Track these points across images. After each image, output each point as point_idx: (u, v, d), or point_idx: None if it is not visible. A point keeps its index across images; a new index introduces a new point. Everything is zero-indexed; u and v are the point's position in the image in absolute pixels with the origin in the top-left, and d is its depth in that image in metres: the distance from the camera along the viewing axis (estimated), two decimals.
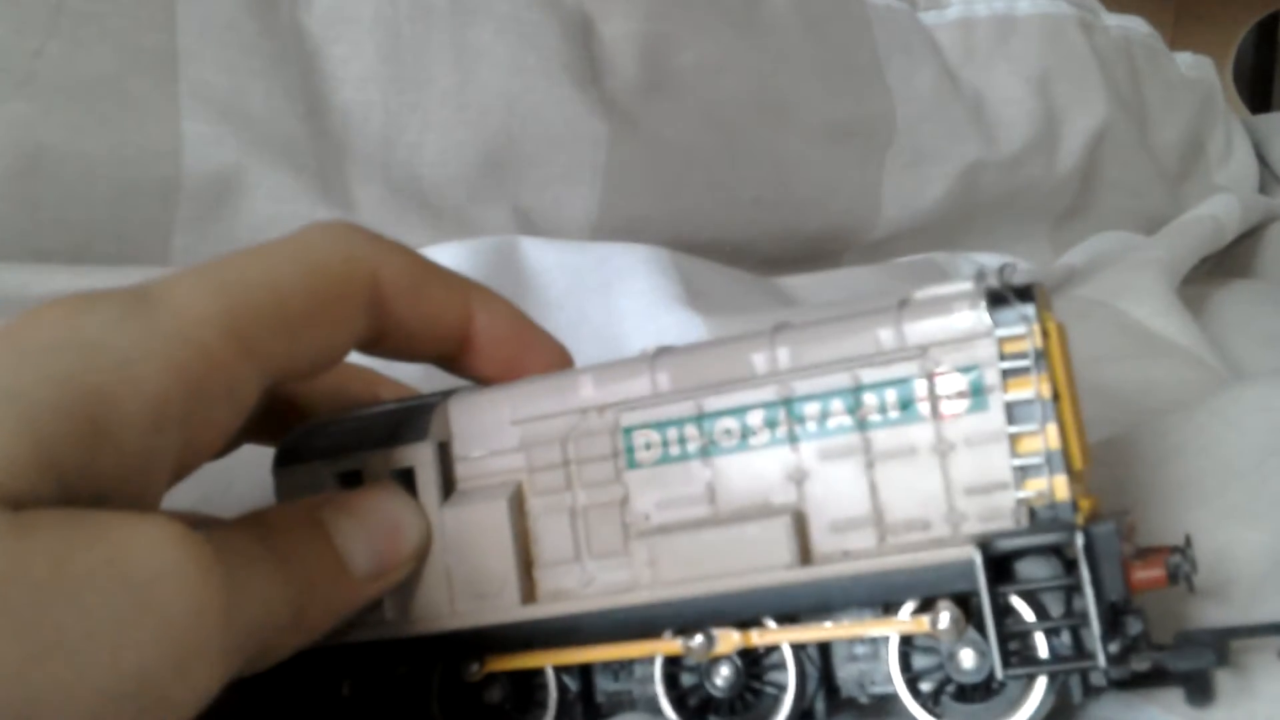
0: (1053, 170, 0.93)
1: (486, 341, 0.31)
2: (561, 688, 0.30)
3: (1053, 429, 0.26)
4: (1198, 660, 0.27)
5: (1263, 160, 1.18)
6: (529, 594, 0.30)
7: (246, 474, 0.34)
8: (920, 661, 0.29)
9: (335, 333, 0.27)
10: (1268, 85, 1.53)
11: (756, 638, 0.29)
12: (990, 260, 0.86)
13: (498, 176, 0.63)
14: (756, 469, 0.29)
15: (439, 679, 0.31)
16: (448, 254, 0.58)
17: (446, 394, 0.32)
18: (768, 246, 0.76)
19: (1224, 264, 0.96)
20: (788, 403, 0.28)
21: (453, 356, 0.31)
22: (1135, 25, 1.06)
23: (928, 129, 0.84)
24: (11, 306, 0.47)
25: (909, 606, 0.28)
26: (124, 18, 0.52)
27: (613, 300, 0.56)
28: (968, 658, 0.28)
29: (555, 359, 0.32)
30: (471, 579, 0.30)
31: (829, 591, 0.27)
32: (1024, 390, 0.26)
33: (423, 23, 0.60)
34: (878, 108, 0.82)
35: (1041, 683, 0.27)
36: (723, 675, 0.29)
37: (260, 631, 0.24)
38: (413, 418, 0.31)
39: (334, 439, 0.31)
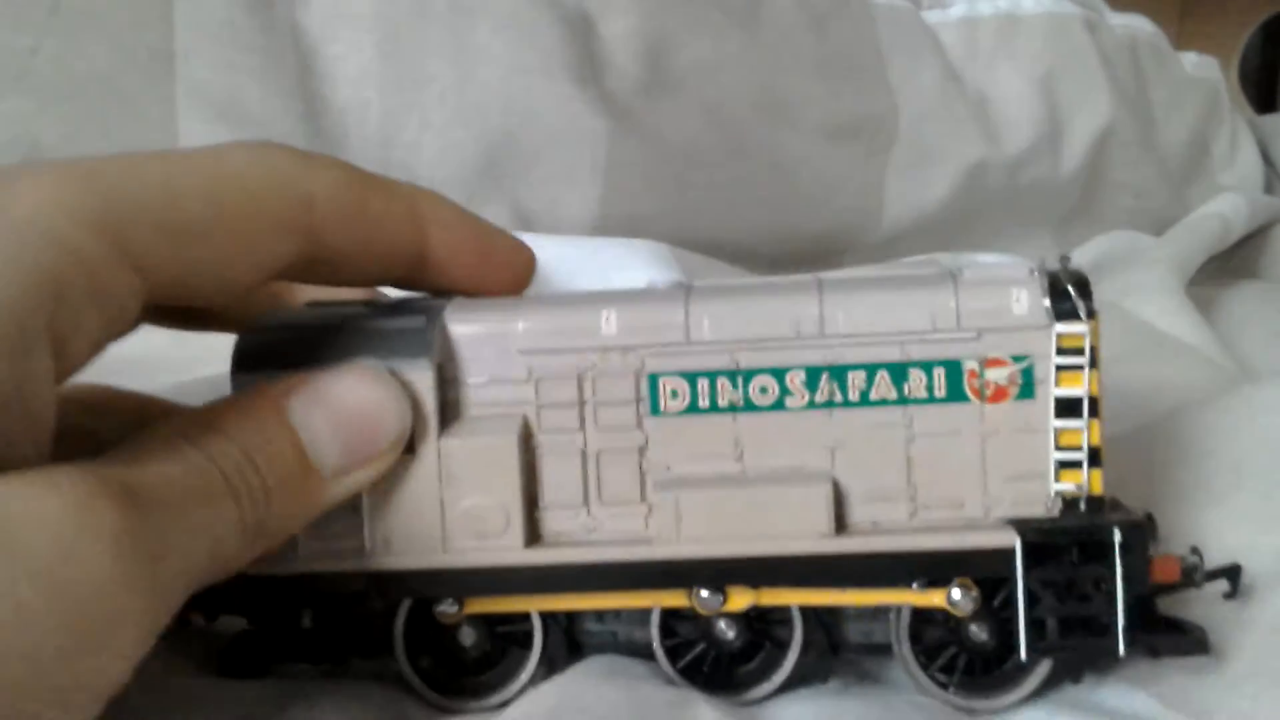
0: (1057, 170, 0.92)
1: (444, 257, 0.28)
2: (545, 631, 0.30)
3: (1096, 425, 0.27)
4: (1190, 650, 0.28)
5: (1268, 161, 1.17)
6: (532, 536, 0.29)
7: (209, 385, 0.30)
8: (928, 632, 0.29)
9: (248, 253, 0.24)
10: (1273, 85, 1.52)
11: (771, 597, 0.28)
12: (997, 260, 0.86)
13: (496, 176, 0.62)
14: (790, 432, 0.28)
15: (405, 617, 0.30)
16: None
17: (438, 305, 0.29)
18: (769, 246, 0.76)
19: (1230, 265, 0.95)
20: (832, 369, 0.28)
21: (408, 278, 0.29)
22: (1140, 25, 1.06)
23: (931, 128, 0.83)
24: None
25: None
26: (121, 16, 0.52)
27: (611, 288, 0.56)
28: (979, 631, 0.28)
29: (519, 265, 0.30)
30: (471, 516, 0.28)
31: (863, 562, 0.27)
32: (1074, 386, 0.27)
33: (421, 21, 0.60)
34: (880, 107, 0.81)
35: (1046, 662, 0.28)
36: (726, 629, 0.29)
37: (198, 572, 0.22)
38: (410, 334, 0.28)
39: (309, 344, 0.28)
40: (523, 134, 0.62)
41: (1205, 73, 1.13)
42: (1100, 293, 0.75)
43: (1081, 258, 0.86)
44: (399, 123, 0.59)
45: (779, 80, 0.75)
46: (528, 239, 0.59)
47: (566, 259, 0.57)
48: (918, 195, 0.83)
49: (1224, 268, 0.94)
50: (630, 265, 0.57)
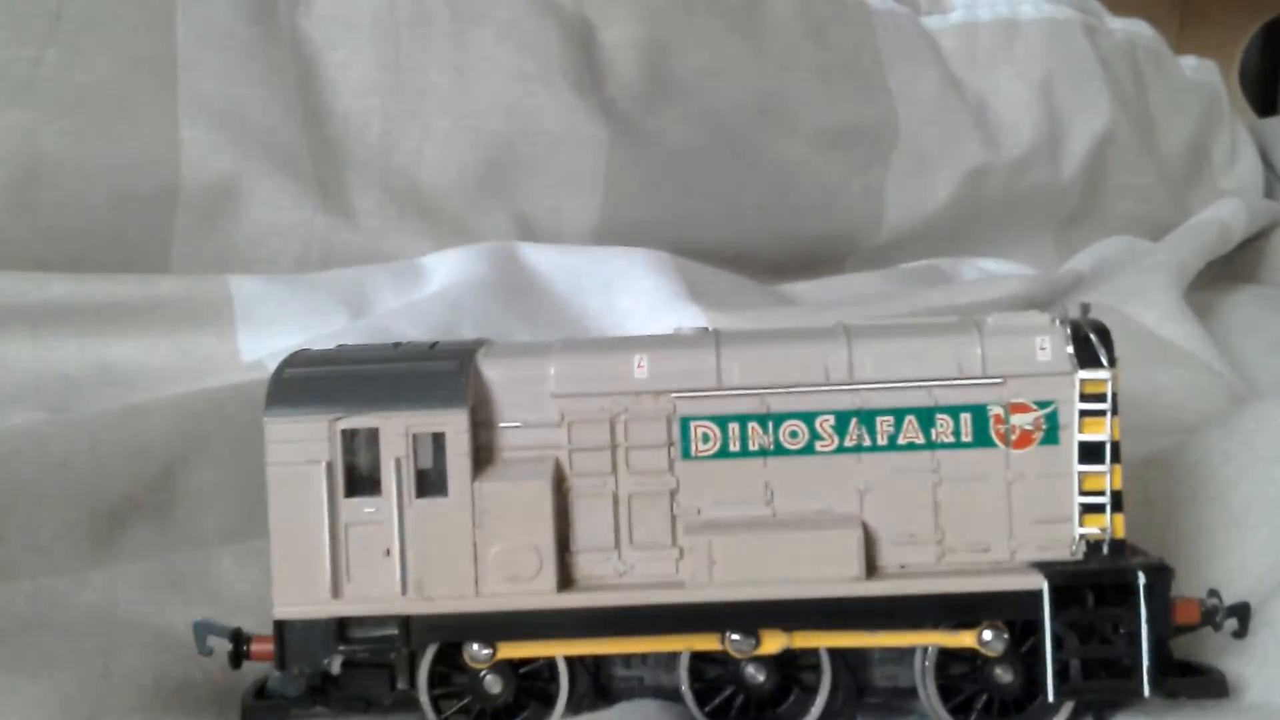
0: (1057, 175, 0.93)
1: None
2: (573, 677, 0.30)
3: (1118, 470, 0.28)
4: (1208, 692, 0.28)
5: (1268, 164, 1.17)
6: (565, 579, 0.29)
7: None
8: (952, 669, 0.29)
9: None
10: (1274, 89, 1.52)
11: (803, 640, 0.29)
12: (998, 266, 0.86)
13: (498, 183, 0.63)
14: (820, 475, 0.29)
15: (430, 662, 0.30)
16: (449, 259, 0.57)
17: (469, 348, 0.30)
18: (771, 252, 0.76)
19: (1229, 269, 0.95)
20: (860, 414, 0.28)
21: None
22: (1140, 29, 1.06)
23: (931, 134, 0.84)
24: (11, 314, 0.47)
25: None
26: (122, 26, 0.52)
27: (614, 298, 0.56)
28: (1003, 673, 0.28)
29: None
30: (504, 560, 0.28)
31: (893, 605, 0.28)
32: (1097, 432, 0.28)
33: (422, 29, 0.60)
34: (880, 112, 0.81)
35: (1069, 704, 0.28)
36: (755, 673, 0.29)
37: None
38: (444, 378, 0.29)
39: (342, 387, 0.28)
40: (524, 141, 0.62)
41: (1205, 76, 1.13)
42: (1099, 297, 0.75)
43: (1080, 263, 0.86)
44: (401, 130, 0.60)
45: (779, 87, 0.75)
46: (530, 247, 0.59)
47: (567, 267, 0.58)
48: (918, 200, 0.83)
49: (1223, 272, 0.94)
50: (631, 274, 0.57)
